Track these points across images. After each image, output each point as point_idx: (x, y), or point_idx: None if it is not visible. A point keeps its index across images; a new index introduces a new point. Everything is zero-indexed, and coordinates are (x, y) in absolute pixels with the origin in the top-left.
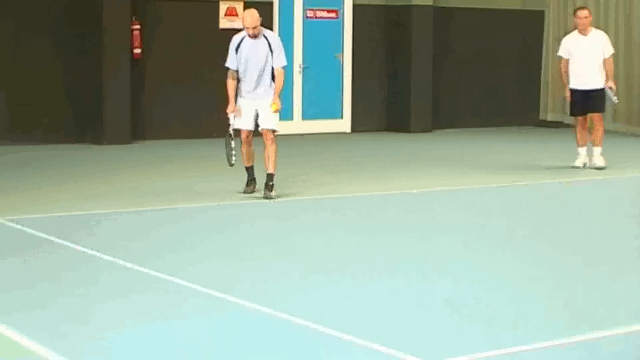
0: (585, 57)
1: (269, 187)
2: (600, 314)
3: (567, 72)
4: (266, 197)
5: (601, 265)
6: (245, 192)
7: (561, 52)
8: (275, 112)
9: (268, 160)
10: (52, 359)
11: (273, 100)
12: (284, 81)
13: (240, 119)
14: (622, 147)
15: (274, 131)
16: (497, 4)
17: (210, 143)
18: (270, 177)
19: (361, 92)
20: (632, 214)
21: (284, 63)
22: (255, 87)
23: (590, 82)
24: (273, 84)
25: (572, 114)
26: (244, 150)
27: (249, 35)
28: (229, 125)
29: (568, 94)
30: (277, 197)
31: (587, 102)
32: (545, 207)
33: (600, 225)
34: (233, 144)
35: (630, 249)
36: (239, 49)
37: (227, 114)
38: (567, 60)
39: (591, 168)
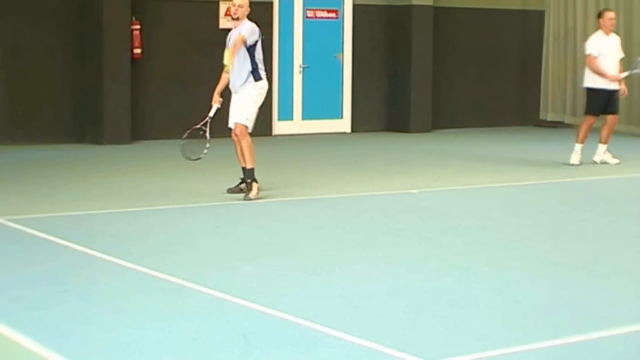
0: (610, 58)
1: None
2: (600, 314)
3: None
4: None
5: (601, 265)
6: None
7: (591, 51)
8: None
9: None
10: (52, 359)
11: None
12: (285, 79)
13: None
14: (622, 147)
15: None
16: (497, 4)
17: (210, 143)
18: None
19: (361, 92)
20: (631, 213)
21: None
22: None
23: (614, 81)
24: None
25: (591, 112)
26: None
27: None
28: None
29: (612, 75)
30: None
31: (608, 103)
32: (545, 207)
33: (600, 225)
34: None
35: (630, 249)
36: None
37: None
38: (596, 58)
39: (607, 164)
